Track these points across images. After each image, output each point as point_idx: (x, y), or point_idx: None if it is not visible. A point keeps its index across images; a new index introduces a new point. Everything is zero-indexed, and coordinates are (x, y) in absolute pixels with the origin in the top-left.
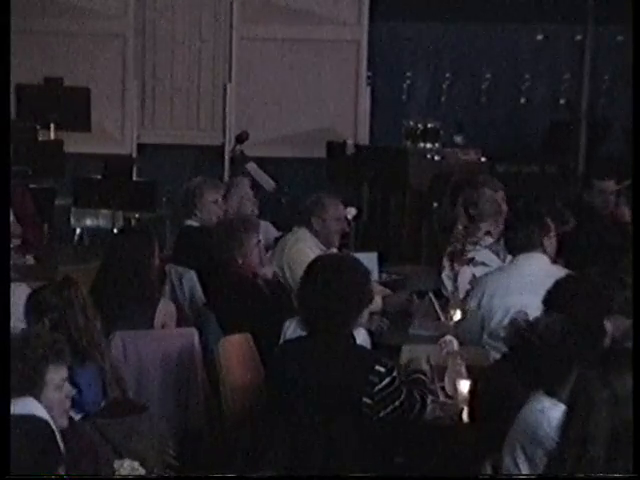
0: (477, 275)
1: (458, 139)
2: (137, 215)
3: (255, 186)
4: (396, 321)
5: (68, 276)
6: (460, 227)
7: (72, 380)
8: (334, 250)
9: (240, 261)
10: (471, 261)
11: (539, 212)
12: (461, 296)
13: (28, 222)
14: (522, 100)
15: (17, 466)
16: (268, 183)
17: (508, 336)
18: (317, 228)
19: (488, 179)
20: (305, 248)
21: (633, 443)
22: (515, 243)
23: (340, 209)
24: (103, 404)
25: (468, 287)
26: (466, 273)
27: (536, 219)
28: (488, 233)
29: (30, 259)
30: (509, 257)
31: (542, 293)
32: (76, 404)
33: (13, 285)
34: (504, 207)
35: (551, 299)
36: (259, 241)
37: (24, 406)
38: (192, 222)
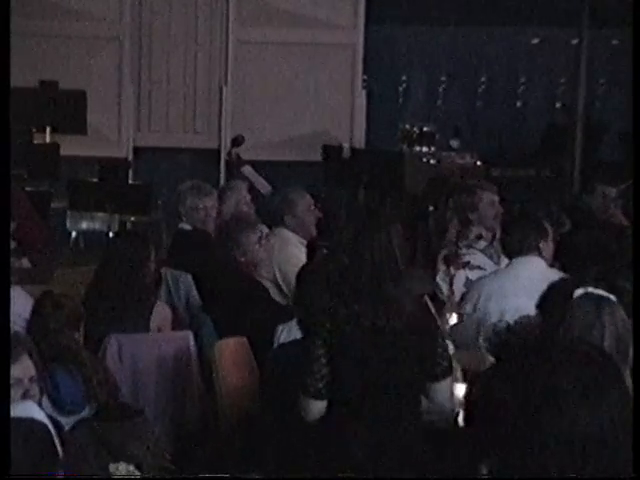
0: (473, 279)
1: (454, 143)
2: (133, 218)
3: (251, 189)
4: None
5: (48, 291)
6: (453, 230)
7: (52, 378)
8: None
9: (242, 259)
10: (467, 265)
11: (536, 215)
12: (457, 299)
13: (24, 225)
14: (518, 104)
15: (16, 467)
16: (264, 186)
17: (493, 345)
18: (292, 225)
19: (484, 183)
20: (293, 249)
21: (633, 443)
22: (512, 246)
23: (307, 199)
24: (93, 406)
25: (464, 290)
26: (461, 277)
27: (533, 222)
28: (479, 236)
29: (26, 262)
30: (505, 261)
31: (537, 296)
32: (54, 402)
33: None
34: (500, 210)
35: (545, 302)
36: (260, 237)
37: (24, 409)
38: (185, 225)
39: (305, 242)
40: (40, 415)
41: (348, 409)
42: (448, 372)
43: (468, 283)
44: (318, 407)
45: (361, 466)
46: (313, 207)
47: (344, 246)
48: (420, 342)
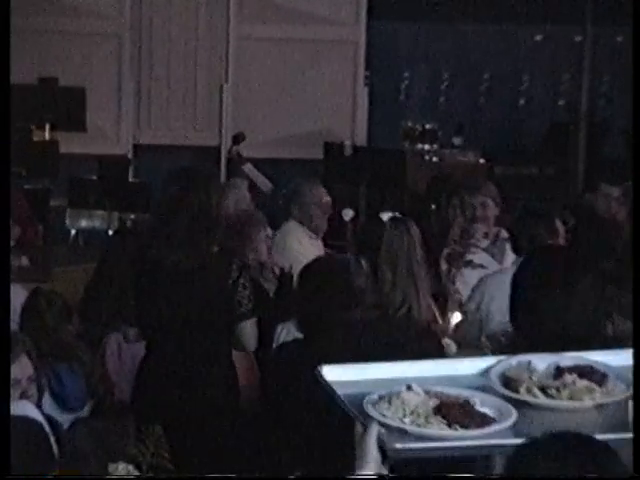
0: (475, 278)
1: (456, 140)
2: (132, 216)
3: (252, 187)
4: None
5: (38, 287)
6: (457, 229)
7: (56, 375)
8: (320, 236)
9: (250, 256)
10: (469, 263)
11: (549, 214)
12: (459, 298)
13: (22, 223)
14: (521, 101)
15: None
16: (265, 184)
17: (496, 344)
18: (298, 216)
19: (486, 181)
20: (293, 242)
21: (633, 443)
22: (521, 245)
23: (319, 192)
24: (91, 404)
25: (466, 289)
26: (464, 275)
27: (544, 221)
28: (485, 235)
29: (25, 260)
30: (507, 259)
31: None
32: (59, 399)
33: None
34: (500, 209)
35: None
36: (267, 235)
37: (18, 408)
38: None
39: (315, 237)
40: (35, 414)
41: (155, 341)
42: (249, 315)
43: (471, 282)
44: (132, 330)
45: (168, 400)
46: (325, 200)
47: (166, 204)
48: (221, 285)
